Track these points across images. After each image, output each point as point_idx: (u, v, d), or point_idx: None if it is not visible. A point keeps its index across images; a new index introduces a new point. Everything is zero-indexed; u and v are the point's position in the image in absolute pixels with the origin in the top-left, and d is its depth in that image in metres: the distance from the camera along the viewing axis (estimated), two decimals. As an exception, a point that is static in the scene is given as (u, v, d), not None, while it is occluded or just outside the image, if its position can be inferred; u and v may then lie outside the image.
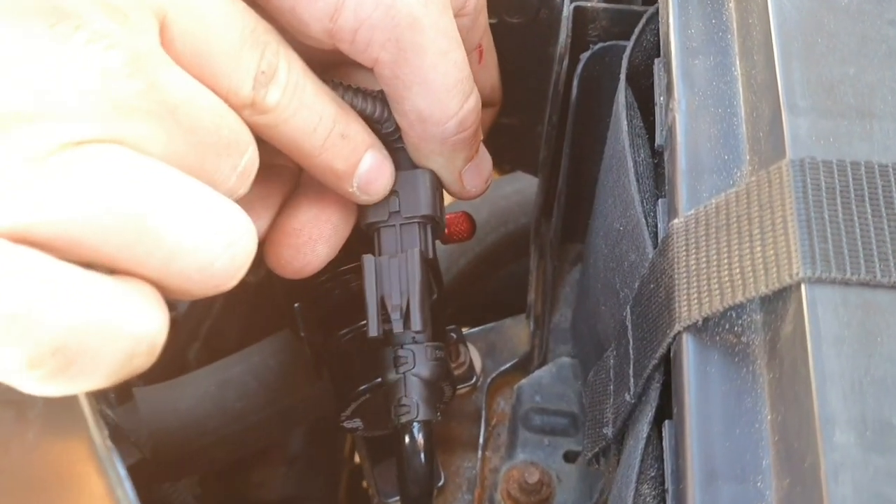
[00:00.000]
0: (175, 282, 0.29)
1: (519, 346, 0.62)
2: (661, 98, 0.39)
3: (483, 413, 0.58)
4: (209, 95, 0.30)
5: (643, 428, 0.33)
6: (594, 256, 0.46)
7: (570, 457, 0.55)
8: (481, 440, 0.57)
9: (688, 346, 0.30)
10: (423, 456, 0.44)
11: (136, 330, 0.27)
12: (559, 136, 0.52)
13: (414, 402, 0.43)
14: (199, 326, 0.87)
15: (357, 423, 0.53)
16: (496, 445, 0.58)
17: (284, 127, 0.34)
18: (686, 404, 0.29)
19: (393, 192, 0.42)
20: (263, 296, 1.00)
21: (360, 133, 0.38)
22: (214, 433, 0.59)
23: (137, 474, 0.41)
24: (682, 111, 0.35)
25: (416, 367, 0.43)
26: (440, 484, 0.57)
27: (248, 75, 0.31)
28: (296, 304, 0.53)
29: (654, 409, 0.33)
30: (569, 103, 0.50)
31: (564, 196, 0.54)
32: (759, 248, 0.29)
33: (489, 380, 0.59)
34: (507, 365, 0.60)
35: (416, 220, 0.43)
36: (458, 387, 0.58)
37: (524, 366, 0.60)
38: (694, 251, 0.31)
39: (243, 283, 0.97)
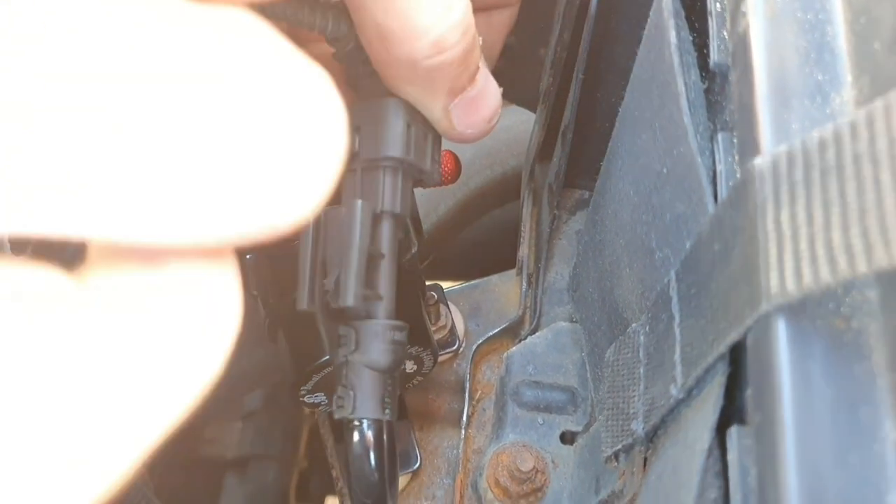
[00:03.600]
0: None
1: (508, 308, 0.54)
2: (721, 4, 0.30)
3: (467, 384, 0.50)
4: None
5: (702, 436, 0.25)
6: (614, 205, 0.38)
7: (567, 438, 0.47)
8: (464, 416, 0.49)
9: (780, 332, 0.22)
10: (372, 460, 0.34)
11: None
12: (570, 59, 0.43)
13: (351, 396, 0.33)
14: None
15: (320, 397, 0.45)
16: (481, 422, 0.50)
17: None
18: (778, 415, 0.21)
19: (355, 127, 0.33)
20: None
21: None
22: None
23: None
24: (759, 16, 0.27)
25: (360, 350, 0.33)
26: (416, 466, 0.49)
27: None
28: (247, 256, 0.44)
29: (718, 414, 0.24)
30: (585, 18, 0.41)
31: (572, 132, 0.45)
32: (890, 202, 0.21)
33: (474, 346, 0.51)
34: (496, 329, 0.51)
35: (379, 165, 0.33)
36: (440, 353, 0.50)
37: (514, 331, 0.52)
38: (787, 203, 0.23)
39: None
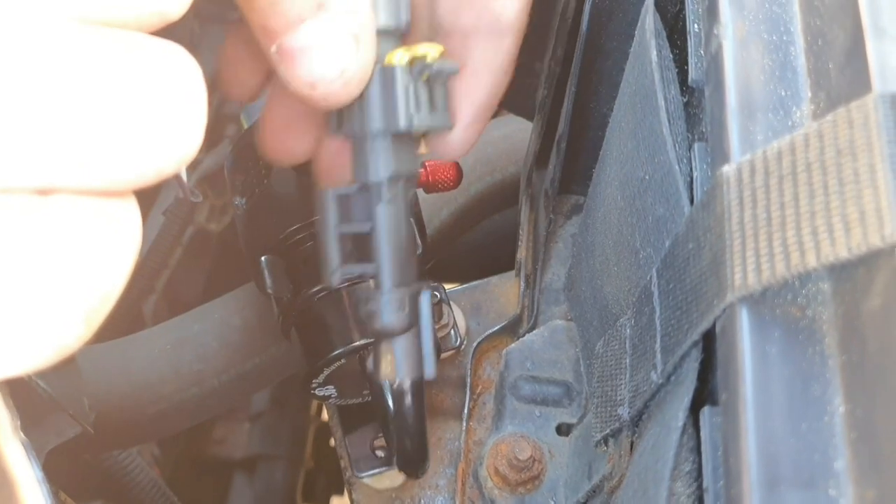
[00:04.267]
0: None
1: (507, 307, 0.56)
2: (698, 25, 0.33)
3: (468, 380, 0.53)
4: None
5: (677, 415, 0.28)
6: (604, 209, 0.41)
7: (563, 429, 0.50)
8: (465, 409, 0.52)
9: (743, 320, 0.25)
10: (412, 417, 0.40)
11: None
12: (563, 72, 0.46)
13: (385, 361, 0.36)
14: (157, 277, 0.80)
15: (330, 390, 0.48)
16: (482, 415, 0.53)
17: None
18: (741, 393, 0.24)
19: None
20: (228, 246, 0.94)
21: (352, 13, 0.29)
22: (169, 399, 0.53)
23: (77, 449, 0.35)
24: (729, 38, 0.29)
25: (376, 319, 0.35)
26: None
27: None
28: (262, 257, 0.47)
29: (691, 394, 0.27)
30: (577, 35, 0.44)
31: (566, 141, 0.48)
32: (836, 204, 0.24)
33: (475, 344, 0.54)
34: (495, 328, 0.54)
35: (365, 136, 0.34)
36: (442, 351, 0.52)
37: (513, 329, 0.54)
38: (750, 205, 0.26)
39: (205, 232, 0.90)
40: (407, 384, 0.38)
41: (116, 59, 0.22)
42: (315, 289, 0.46)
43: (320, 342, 0.46)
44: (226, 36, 0.38)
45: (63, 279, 0.21)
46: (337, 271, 0.35)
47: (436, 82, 0.35)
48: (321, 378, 0.46)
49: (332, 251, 0.35)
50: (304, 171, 0.40)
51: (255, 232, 0.49)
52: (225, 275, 0.84)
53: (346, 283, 0.44)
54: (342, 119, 0.34)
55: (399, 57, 0.33)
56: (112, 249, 0.22)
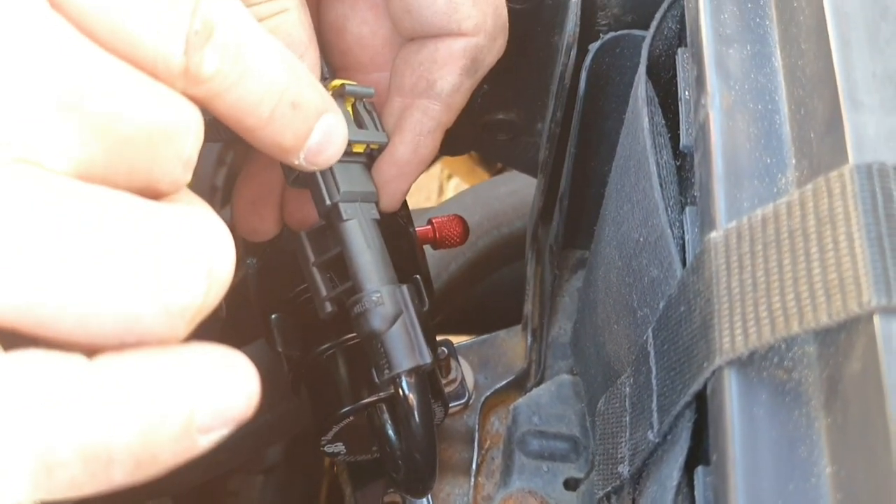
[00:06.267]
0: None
1: (514, 361, 0.57)
2: (688, 93, 0.35)
3: (476, 435, 0.54)
4: (126, 70, 0.23)
5: (672, 474, 0.28)
6: (604, 268, 0.42)
7: (570, 484, 0.51)
8: (474, 465, 0.53)
9: (731, 383, 0.26)
10: (416, 415, 0.40)
11: None
12: (563, 134, 0.48)
13: (383, 362, 0.39)
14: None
15: (339, 447, 0.48)
16: (490, 470, 0.53)
17: (222, 99, 0.27)
18: (729, 454, 0.25)
19: None
20: (242, 297, 0.95)
21: (313, 98, 0.31)
22: (182, 455, 0.54)
23: (93, 502, 0.36)
24: (716, 107, 0.31)
25: (363, 323, 0.38)
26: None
27: (179, 37, 0.24)
28: (273, 316, 0.48)
29: (685, 454, 0.28)
30: (575, 98, 0.45)
31: (568, 199, 0.49)
32: (818, 271, 0.24)
33: (483, 398, 0.54)
34: (503, 382, 0.55)
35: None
36: (450, 405, 0.53)
37: (521, 383, 0.55)
38: (737, 271, 0.26)
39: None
40: (408, 376, 0.39)
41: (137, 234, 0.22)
42: (324, 346, 0.47)
43: (329, 399, 0.47)
44: (234, 194, 0.44)
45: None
46: (325, 301, 0.39)
47: (359, 105, 0.41)
48: (330, 435, 0.46)
49: (317, 284, 0.39)
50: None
51: (266, 291, 0.51)
52: (239, 325, 0.85)
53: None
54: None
55: (337, 83, 0.39)
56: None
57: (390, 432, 0.45)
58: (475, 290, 0.72)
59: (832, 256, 0.24)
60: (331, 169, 0.38)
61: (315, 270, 0.38)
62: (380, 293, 0.38)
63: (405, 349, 0.38)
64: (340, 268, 0.39)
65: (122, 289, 0.22)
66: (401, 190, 0.43)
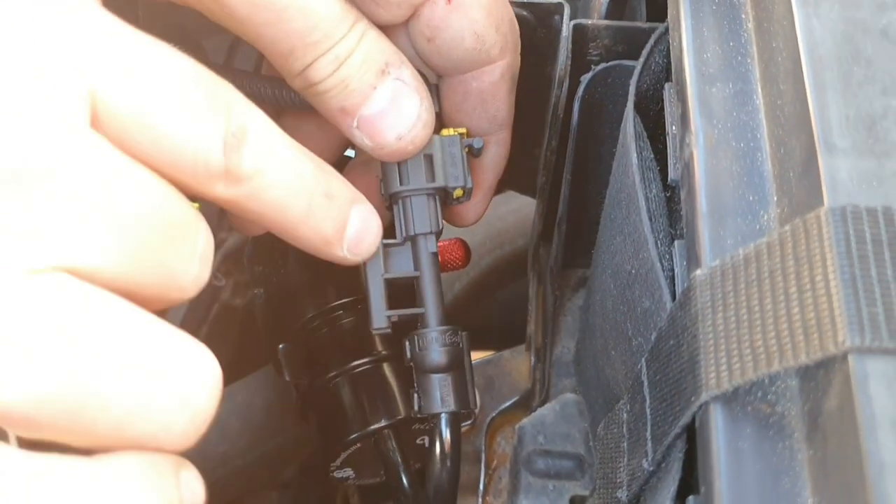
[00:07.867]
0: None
1: (519, 381, 0.58)
2: (674, 128, 0.36)
3: (483, 455, 0.55)
4: (150, 179, 0.26)
5: (665, 503, 0.29)
6: (601, 294, 0.43)
7: (576, 502, 0.52)
8: (481, 485, 0.54)
9: (716, 418, 0.27)
10: (449, 455, 0.42)
11: None
12: (559, 161, 0.49)
13: (417, 397, 0.41)
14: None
15: (348, 472, 0.49)
16: (497, 490, 0.54)
17: (264, 195, 0.29)
18: (716, 487, 0.26)
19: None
20: (253, 319, 0.96)
21: (342, 188, 0.34)
22: (196, 481, 0.55)
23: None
24: (700, 146, 0.32)
25: (416, 356, 0.40)
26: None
27: (216, 141, 0.27)
28: (280, 346, 0.50)
29: (676, 484, 0.29)
30: (569, 128, 0.47)
31: (566, 223, 0.51)
32: (797, 310, 0.26)
33: (489, 418, 0.56)
34: (508, 403, 0.56)
35: (402, 195, 0.40)
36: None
37: (525, 403, 0.56)
38: (721, 308, 0.28)
39: (232, 308, 0.92)
40: (450, 417, 0.41)
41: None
42: (331, 374, 0.49)
43: (337, 426, 0.48)
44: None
45: None
46: (385, 317, 0.39)
47: (466, 154, 0.42)
48: (339, 461, 0.48)
49: (381, 296, 0.39)
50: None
51: (274, 320, 0.52)
52: (250, 347, 0.86)
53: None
54: (400, 177, 0.40)
55: (452, 130, 0.41)
56: None
57: (398, 458, 0.46)
58: (479, 309, 0.73)
59: (810, 297, 0.25)
60: (433, 197, 0.40)
61: (383, 283, 0.39)
62: (454, 333, 0.41)
63: (458, 392, 0.41)
64: (399, 290, 0.41)
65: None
66: (485, 208, 0.47)
